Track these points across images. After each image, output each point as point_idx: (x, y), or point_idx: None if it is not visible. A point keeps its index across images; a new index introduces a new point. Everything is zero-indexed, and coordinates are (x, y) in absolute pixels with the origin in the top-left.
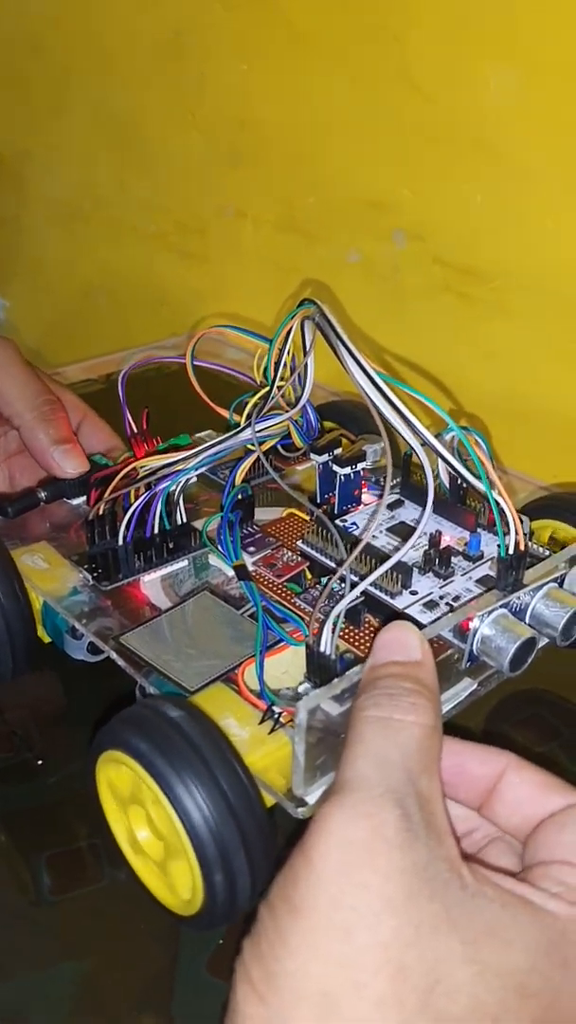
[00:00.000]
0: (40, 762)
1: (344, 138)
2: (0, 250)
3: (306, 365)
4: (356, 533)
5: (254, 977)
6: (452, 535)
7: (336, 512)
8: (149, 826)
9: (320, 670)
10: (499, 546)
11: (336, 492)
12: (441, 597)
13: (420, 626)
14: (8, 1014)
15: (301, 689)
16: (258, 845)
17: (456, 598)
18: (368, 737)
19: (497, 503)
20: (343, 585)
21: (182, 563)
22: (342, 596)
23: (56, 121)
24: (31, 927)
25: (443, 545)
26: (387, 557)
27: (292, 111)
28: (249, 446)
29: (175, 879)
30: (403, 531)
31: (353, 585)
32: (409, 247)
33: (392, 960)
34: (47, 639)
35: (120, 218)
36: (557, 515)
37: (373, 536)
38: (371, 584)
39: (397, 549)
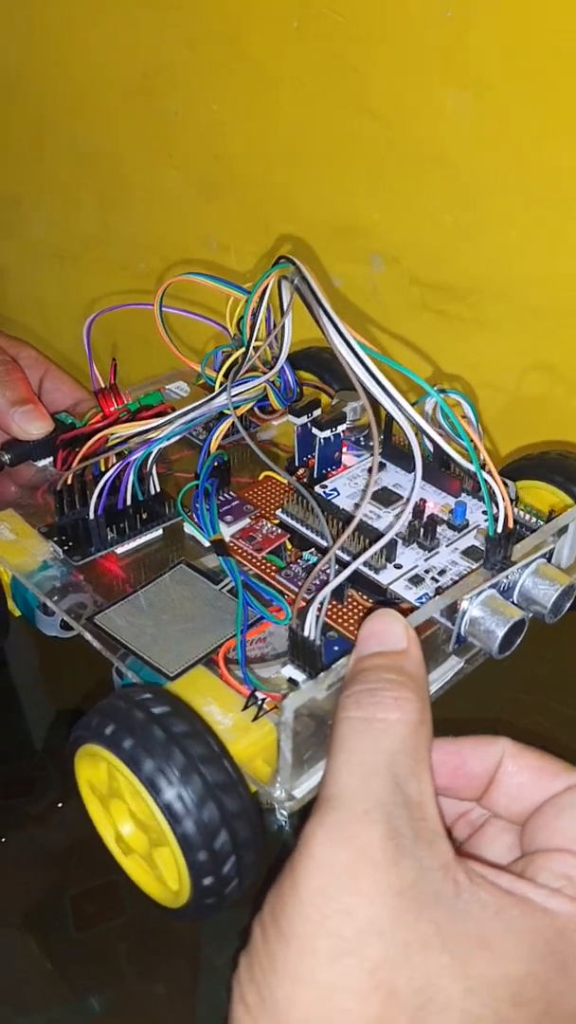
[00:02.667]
0: (60, 804)
1: (314, 167)
2: None
3: (283, 326)
4: (337, 501)
5: (249, 1000)
6: (436, 501)
7: (316, 476)
8: (131, 819)
9: (304, 653)
10: (487, 523)
11: (316, 455)
12: (427, 571)
13: (406, 613)
14: None
15: (284, 671)
16: (244, 831)
17: (442, 571)
18: (350, 743)
19: (486, 481)
20: (329, 564)
21: (156, 533)
22: (327, 575)
23: (38, 166)
24: (57, 962)
25: (427, 514)
26: (378, 534)
27: (263, 143)
28: (225, 410)
29: (162, 869)
30: (385, 497)
31: (341, 565)
32: (387, 269)
33: (381, 984)
34: (17, 613)
35: (108, 257)
36: (542, 476)
37: (354, 504)
38: (348, 554)
39: (378, 518)
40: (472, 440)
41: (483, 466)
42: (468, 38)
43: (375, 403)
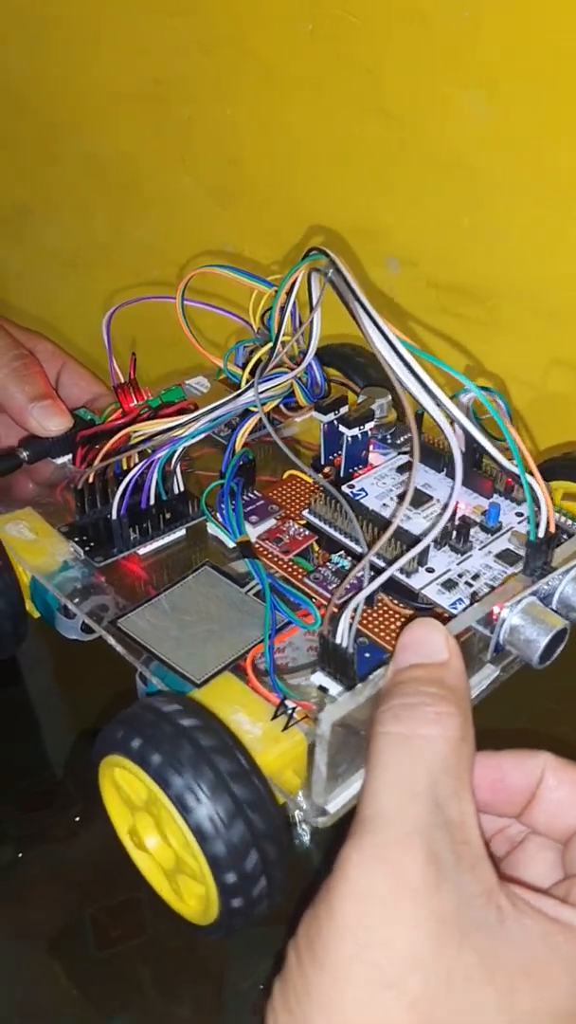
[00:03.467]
0: (78, 819)
1: (328, 170)
2: (9, 301)
3: (312, 321)
4: (366, 502)
5: None
6: (467, 502)
7: (342, 475)
8: (159, 834)
9: (336, 661)
10: (523, 526)
11: (343, 453)
12: (460, 575)
13: (444, 620)
14: None
15: (314, 678)
16: (277, 866)
17: (475, 576)
18: (389, 760)
19: (529, 484)
20: (363, 570)
21: (179, 533)
22: (359, 580)
23: (49, 173)
24: (79, 982)
25: (459, 516)
26: (413, 539)
27: (277, 148)
28: (252, 408)
29: (184, 890)
30: (415, 498)
31: (374, 571)
32: (403, 272)
33: (421, 1017)
34: (36, 614)
35: (120, 264)
36: (571, 476)
37: (383, 504)
38: (382, 559)
39: (408, 519)
40: (515, 440)
41: (527, 468)
42: (484, 39)
43: (412, 401)
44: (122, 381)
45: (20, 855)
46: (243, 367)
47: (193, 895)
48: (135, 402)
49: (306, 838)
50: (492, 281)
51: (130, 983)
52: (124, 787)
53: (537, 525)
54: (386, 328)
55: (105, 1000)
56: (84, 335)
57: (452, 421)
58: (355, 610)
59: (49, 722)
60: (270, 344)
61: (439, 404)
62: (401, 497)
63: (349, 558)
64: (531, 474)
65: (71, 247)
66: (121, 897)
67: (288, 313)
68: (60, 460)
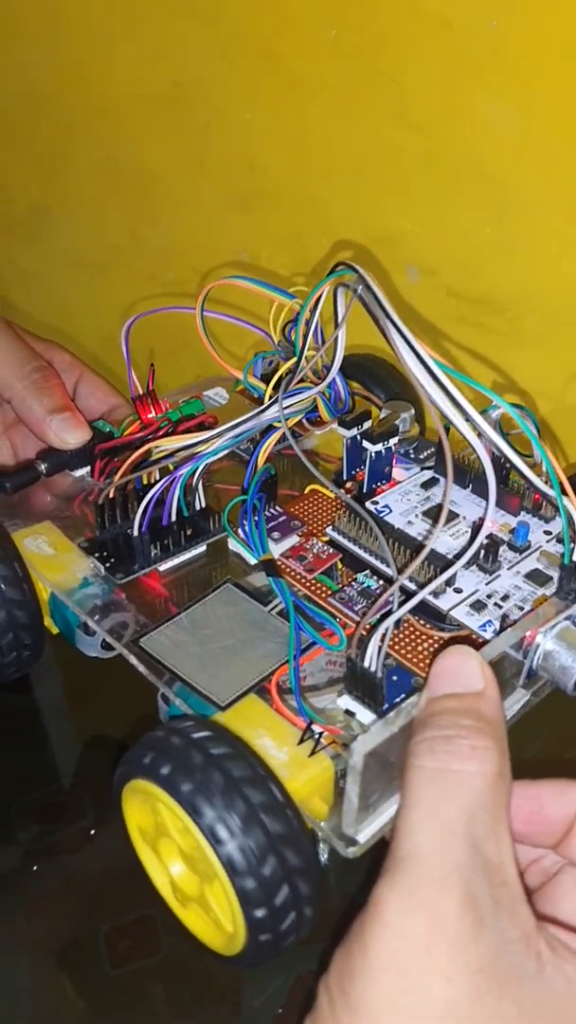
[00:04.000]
0: (92, 832)
1: (349, 178)
2: (21, 303)
3: (337, 338)
4: (390, 519)
5: None
6: (494, 520)
7: (365, 491)
8: (181, 857)
9: (363, 686)
10: (554, 546)
11: (366, 469)
12: (488, 596)
13: (472, 642)
14: None
15: (340, 702)
16: (305, 880)
17: (505, 596)
18: (424, 796)
19: (564, 505)
20: (392, 593)
21: (200, 549)
22: (389, 603)
23: (66, 176)
24: (94, 1000)
25: (487, 534)
26: (445, 562)
27: (297, 154)
28: (276, 423)
29: (212, 916)
30: (438, 515)
31: (404, 593)
32: (423, 281)
33: None
34: (55, 630)
35: (136, 267)
36: None
37: (408, 521)
38: (411, 580)
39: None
40: (550, 459)
41: (562, 488)
42: (511, 49)
43: (442, 418)
44: (140, 393)
45: (34, 868)
46: (262, 379)
47: (223, 921)
48: (153, 414)
49: (324, 856)
50: (513, 292)
51: (144, 1001)
52: (143, 823)
53: (572, 548)
54: (417, 345)
55: (118, 1018)
56: (97, 338)
57: (481, 436)
58: (385, 633)
59: (63, 735)
60: (293, 359)
61: (469, 420)
62: (429, 515)
63: (375, 577)
64: (566, 495)
65: (86, 249)
66: (135, 914)
67: (312, 328)
68: (78, 473)
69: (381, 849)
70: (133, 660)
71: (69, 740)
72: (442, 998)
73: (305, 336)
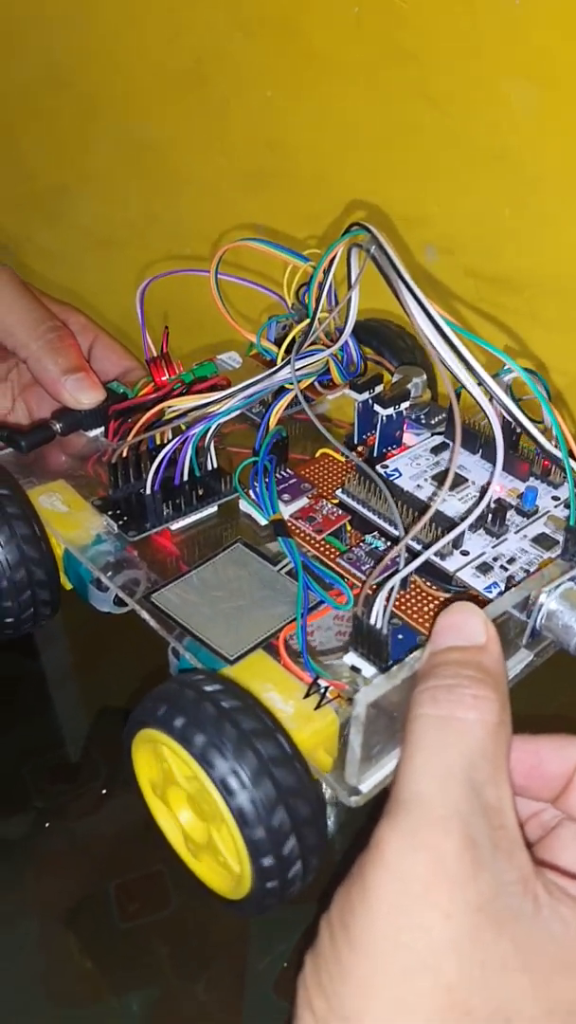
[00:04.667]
0: (104, 791)
1: (369, 156)
2: (39, 280)
3: (350, 299)
4: (400, 482)
5: (315, 1007)
6: (503, 485)
7: (375, 455)
8: (191, 807)
9: (369, 642)
10: (561, 510)
11: (377, 433)
12: (495, 559)
13: (483, 603)
14: None
15: (346, 659)
16: (312, 831)
17: (511, 559)
18: (426, 743)
19: (572, 469)
20: (398, 553)
21: (211, 509)
22: (396, 563)
23: (85, 152)
24: (104, 955)
25: (495, 499)
26: (450, 523)
27: (316, 132)
28: (288, 385)
29: (218, 863)
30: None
31: (411, 554)
32: (441, 260)
33: (457, 1003)
34: (69, 586)
35: (153, 244)
36: None
37: (417, 485)
38: (418, 542)
39: (443, 501)
40: (559, 421)
41: (570, 451)
42: (535, 28)
43: (453, 382)
44: (155, 355)
45: (47, 825)
46: (276, 343)
47: (228, 868)
48: (167, 376)
49: (331, 823)
50: (531, 272)
51: (151, 955)
52: (154, 762)
53: None
54: (429, 305)
55: (125, 974)
56: (115, 313)
57: (492, 398)
58: (390, 592)
59: (73, 698)
60: (306, 321)
61: (480, 382)
62: (438, 479)
63: (383, 538)
64: (573, 457)
65: (104, 226)
66: (145, 870)
67: (326, 290)
68: (92, 433)
69: (377, 807)
70: (145, 615)
71: (79, 704)
72: (441, 934)
73: (318, 298)
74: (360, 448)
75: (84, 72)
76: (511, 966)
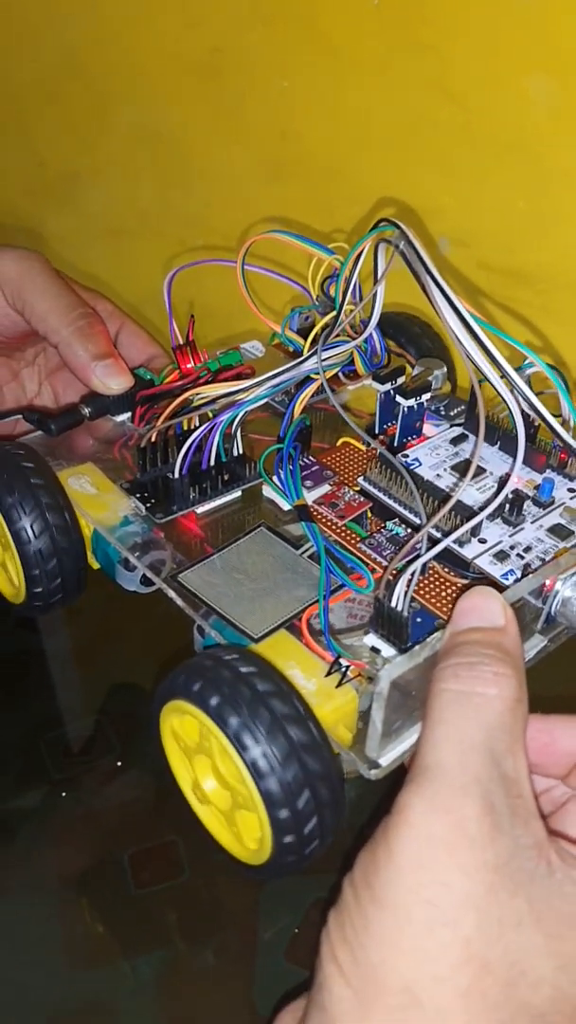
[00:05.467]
0: (120, 764)
1: (384, 148)
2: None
3: (376, 293)
4: (420, 471)
5: (340, 959)
6: (520, 476)
7: (396, 445)
8: (215, 776)
9: (390, 624)
10: None
11: (398, 423)
12: (511, 547)
13: (500, 588)
14: (100, 999)
15: (367, 640)
16: (329, 800)
17: (527, 548)
18: (448, 716)
19: None
20: (420, 540)
21: (235, 494)
22: (418, 549)
23: (99, 141)
24: (119, 919)
25: (513, 489)
26: (470, 512)
27: (332, 123)
28: (313, 375)
29: (242, 829)
30: (467, 469)
31: (431, 540)
32: (454, 252)
33: (475, 956)
34: (96, 566)
35: (166, 233)
36: None
37: (436, 475)
38: (438, 530)
39: (463, 491)
40: None
41: None
42: (554, 23)
43: (477, 374)
44: (180, 343)
45: (63, 795)
46: (299, 334)
47: (251, 836)
48: (193, 364)
49: None
50: (544, 266)
51: (164, 922)
52: (183, 735)
53: None
54: (456, 300)
55: (140, 938)
56: (126, 303)
57: (513, 391)
58: (412, 576)
59: (91, 673)
60: (331, 313)
61: (504, 376)
62: (457, 469)
63: (403, 525)
64: None
65: (116, 215)
66: (158, 840)
67: (353, 283)
68: (119, 418)
69: (389, 787)
70: (172, 594)
71: (96, 680)
72: (461, 890)
73: (345, 291)
74: (381, 437)
75: (99, 60)
76: (526, 922)
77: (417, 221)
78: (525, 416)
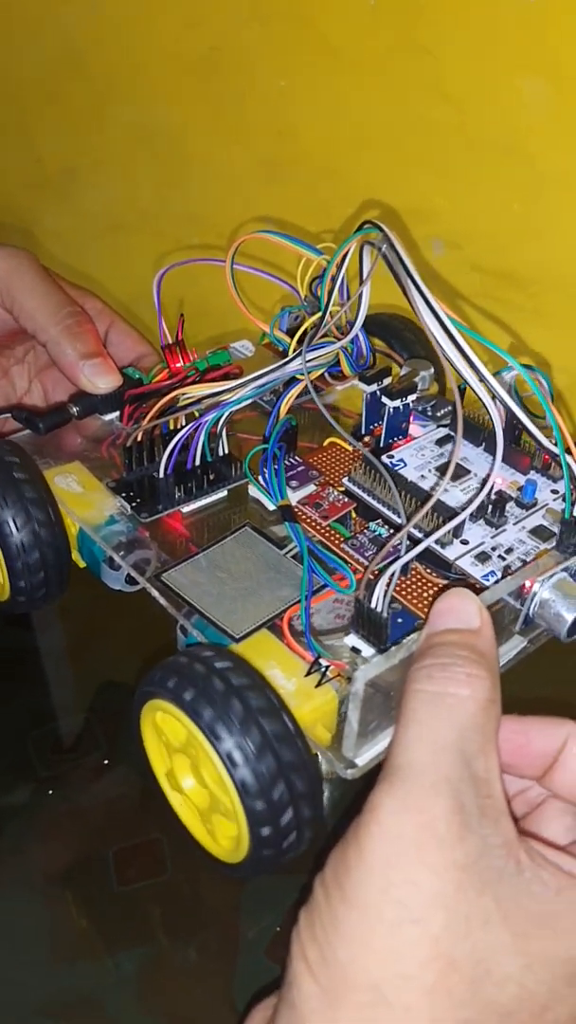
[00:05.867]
0: (106, 761)
1: (380, 149)
2: (46, 263)
3: (361, 294)
4: (404, 472)
5: (310, 958)
6: (504, 477)
7: (382, 445)
8: (194, 775)
9: (370, 625)
10: (558, 503)
11: (384, 424)
12: (493, 548)
13: (476, 591)
14: (83, 993)
15: (347, 640)
16: (305, 791)
17: (509, 550)
18: (421, 716)
19: (568, 464)
20: (400, 540)
21: (221, 494)
22: (398, 549)
23: (98, 138)
24: (102, 915)
25: (496, 491)
26: (451, 513)
27: (329, 123)
28: (299, 375)
29: (217, 828)
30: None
31: (412, 541)
32: (448, 254)
33: (441, 954)
34: (82, 564)
35: (163, 231)
36: None
37: (421, 476)
38: (420, 530)
39: (445, 492)
40: (556, 418)
41: (567, 447)
42: (550, 27)
43: (456, 376)
44: (169, 342)
45: (50, 792)
46: (288, 333)
47: (226, 834)
48: (182, 363)
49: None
50: (537, 268)
51: (147, 918)
52: (164, 730)
53: (573, 503)
54: (436, 305)
55: (123, 934)
56: (121, 300)
57: (494, 397)
58: (391, 577)
59: (78, 671)
60: (318, 313)
61: (482, 380)
62: (442, 470)
63: (386, 526)
64: (569, 452)
65: (113, 211)
66: (143, 838)
67: (338, 284)
68: (108, 417)
69: (363, 786)
70: (155, 593)
71: (82, 678)
72: (429, 889)
73: (330, 292)
74: (367, 438)
75: (98, 58)
76: (493, 921)
77: (405, 223)
78: (509, 418)
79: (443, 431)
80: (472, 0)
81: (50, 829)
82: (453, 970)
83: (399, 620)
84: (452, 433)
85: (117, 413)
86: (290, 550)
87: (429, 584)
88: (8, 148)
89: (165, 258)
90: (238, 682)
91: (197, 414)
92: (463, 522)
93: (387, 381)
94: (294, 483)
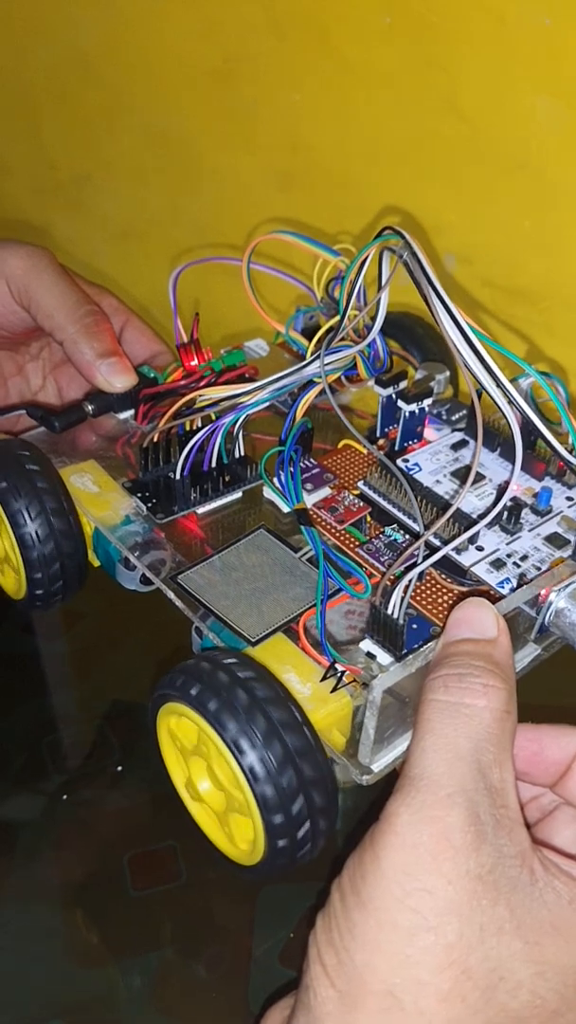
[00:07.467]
0: (120, 768)
1: (392, 163)
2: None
3: (379, 300)
4: (419, 477)
5: (326, 962)
6: (519, 484)
7: (396, 449)
8: (210, 777)
9: (385, 631)
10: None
11: (399, 427)
12: (508, 555)
13: (491, 598)
14: (97, 997)
15: (362, 645)
16: (322, 806)
17: (524, 557)
18: (437, 727)
19: None
20: (418, 547)
21: (236, 495)
22: (415, 557)
23: (110, 144)
24: (116, 921)
25: (511, 497)
26: (469, 521)
27: (342, 137)
28: (316, 379)
29: (234, 831)
30: (466, 476)
31: (429, 548)
32: (459, 269)
33: (456, 962)
34: (96, 563)
35: (173, 238)
36: None
37: (436, 480)
38: (436, 536)
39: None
40: (574, 425)
41: None
42: (564, 47)
43: (475, 383)
44: (185, 341)
45: (64, 798)
46: (303, 333)
47: (244, 837)
48: (196, 362)
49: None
50: (547, 285)
51: (161, 923)
52: (179, 736)
53: None
54: (457, 312)
55: (137, 938)
56: (133, 306)
57: (511, 402)
58: (408, 584)
59: (92, 676)
60: (336, 317)
61: (500, 386)
62: (457, 475)
63: (401, 531)
64: None
65: (125, 218)
66: (157, 844)
67: (356, 288)
68: (123, 415)
69: (379, 793)
70: (170, 595)
71: (97, 683)
72: (444, 898)
73: (349, 296)
74: (382, 441)
75: (111, 64)
76: (506, 930)
77: (422, 236)
78: (525, 425)
79: (458, 435)
80: (487, 20)
81: (64, 835)
82: (467, 977)
83: (414, 626)
84: (468, 438)
85: (132, 411)
86: (305, 553)
87: (444, 590)
88: (22, 154)
89: (176, 265)
90: (262, 694)
91: (214, 416)
92: (479, 529)
93: (403, 384)
94: (309, 486)
